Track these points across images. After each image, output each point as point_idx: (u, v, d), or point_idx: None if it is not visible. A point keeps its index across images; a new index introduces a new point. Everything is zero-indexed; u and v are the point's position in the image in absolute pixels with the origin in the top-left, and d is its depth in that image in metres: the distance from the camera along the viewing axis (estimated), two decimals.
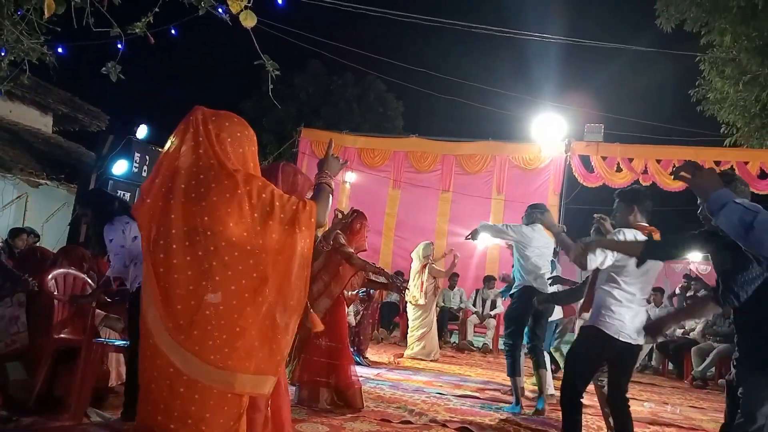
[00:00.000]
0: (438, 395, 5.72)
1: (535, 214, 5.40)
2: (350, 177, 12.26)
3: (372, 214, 11.75)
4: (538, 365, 5.38)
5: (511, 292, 5.52)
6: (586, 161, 11.20)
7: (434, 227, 11.96)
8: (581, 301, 4.25)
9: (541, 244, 5.42)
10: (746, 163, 10.57)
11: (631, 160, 10.97)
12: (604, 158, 11.07)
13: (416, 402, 5.27)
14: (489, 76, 18.40)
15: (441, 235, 11.84)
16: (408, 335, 8.74)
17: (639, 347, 3.58)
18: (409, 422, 4.49)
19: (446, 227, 11.90)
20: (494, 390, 6.23)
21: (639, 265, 3.09)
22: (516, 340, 5.34)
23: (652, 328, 3.21)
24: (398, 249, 12.06)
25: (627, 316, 3.46)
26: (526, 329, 5.55)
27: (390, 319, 10.95)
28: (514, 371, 5.30)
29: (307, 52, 11.63)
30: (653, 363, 9.39)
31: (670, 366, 9.34)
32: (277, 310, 2.00)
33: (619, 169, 10.95)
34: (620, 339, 3.45)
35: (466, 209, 11.75)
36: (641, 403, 6.20)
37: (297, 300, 2.05)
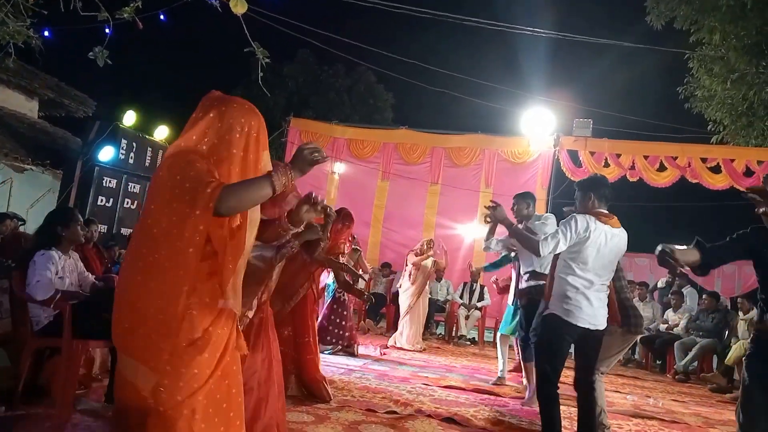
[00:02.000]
0: (423, 386, 5.74)
1: (525, 203, 5.37)
2: (339, 168, 12.24)
3: (361, 206, 11.92)
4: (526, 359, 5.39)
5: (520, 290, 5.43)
6: (574, 156, 11.25)
7: (422, 219, 11.98)
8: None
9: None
10: (732, 160, 10.67)
11: (618, 155, 11.04)
12: (592, 153, 11.13)
13: (402, 392, 5.30)
14: (479, 70, 18.38)
15: (429, 227, 11.86)
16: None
17: (600, 332, 3.62)
18: (395, 412, 4.51)
19: (434, 219, 11.92)
20: (479, 381, 6.26)
21: (702, 273, 3.01)
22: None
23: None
24: (386, 240, 12.07)
25: (584, 303, 3.52)
26: (518, 320, 5.59)
27: (377, 310, 10.96)
28: (528, 358, 5.26)
29: (297, 41, 11.57)
30: (636, 357, 9.49)
31: (653, 360, 9.44)
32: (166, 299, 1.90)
33: (606, 165, 11.01)
34: (579, 325, 3.50)
35: (455, 202, 11.78)
36: (624, 396, 6.25)
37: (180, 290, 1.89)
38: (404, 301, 8.78)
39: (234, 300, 1.98)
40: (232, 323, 2.04)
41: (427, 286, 8.96)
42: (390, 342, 8.65)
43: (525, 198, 5.41)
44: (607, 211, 3.69)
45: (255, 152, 2.08)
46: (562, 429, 3.63)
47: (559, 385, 3.66)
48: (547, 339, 3.67)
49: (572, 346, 3.76)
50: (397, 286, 9.66)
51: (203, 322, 1.93)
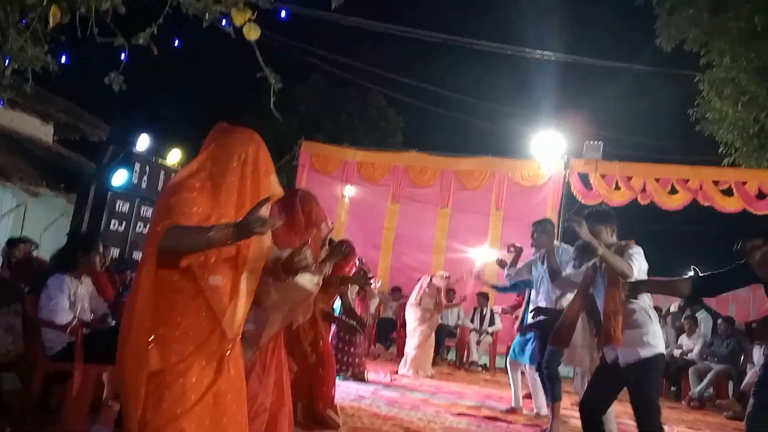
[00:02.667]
0: (434, 413, 5.67)
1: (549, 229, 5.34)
2: (349, 191, 12.26)
3: (371, 229, 11.92)
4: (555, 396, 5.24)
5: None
6: (585, 179, 11.20)
7: (432, 242, 11.94)
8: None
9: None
10: (744, 183, 10.58)
11: (629, 178, 10.97)
12: (602, 176, 11.07)
13: (412, 419, 5.23)
14: (489, 93, 18.47)
15: (439, 250, 11.82)
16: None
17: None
18: None
19: (445, 243, 11.88)
20: (491, 408, 6.18)
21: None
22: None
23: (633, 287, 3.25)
24: (396, 264, 12.03)
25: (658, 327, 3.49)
26: (532, 349, 5.51)
27: (387, 335, 10.89)
28: (557, 397, 5.12)
29: (309, 64, 11.68)
30: None
31: (668, 386, 9.28)
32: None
33: (617, 188, 10.95)
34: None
35: (465, 225, 11.74)
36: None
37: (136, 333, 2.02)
38: (410, 320, 8.67)
39: (230, 328, 2.08)
40: (225, 349, 2.10)
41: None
42: (400, 369, 8.50)
43: (545, 224, 5.38)
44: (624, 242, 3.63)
45: (253, 180, 2.18)
46: None
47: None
48: (658, 379, 3.60)
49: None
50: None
51: (177, 351, 2.01)
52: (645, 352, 3.35)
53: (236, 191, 2.16)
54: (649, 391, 3.36)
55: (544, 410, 5.59)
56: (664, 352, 3.48)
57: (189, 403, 1.99)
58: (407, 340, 8.69)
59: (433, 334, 8.81)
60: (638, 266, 3.40)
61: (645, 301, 3.49)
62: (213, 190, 2.13)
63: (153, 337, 2.00)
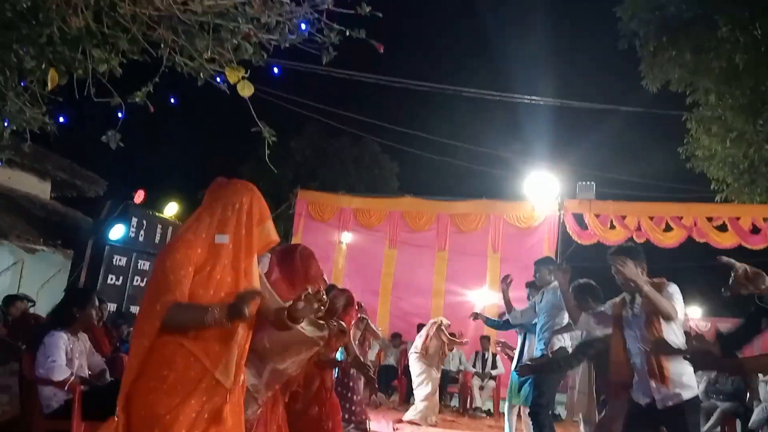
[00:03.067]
0: None
1: (548, 269, 5.35)
2: (346, 237, 12.30)
3: (369, 275, 11.91)
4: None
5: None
6: (579, 219, 11.28)
7: (431, 286, 11.92)
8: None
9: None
10: (738, 218, 10.66)
11: (624, 217, 11.05)
12: (597, 216, 11.15)
13: None
14: (482, 137, 18.74)
15: (438, 294, 11.79)
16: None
17: None
18: None
19: (443, 286, 11.86)
20: None
21: (726, 355, 3.04)
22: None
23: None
24: (395, 309, 11.97)
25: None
26: (528, 390, 5.46)
27: (388, 383, 10.75)
28: None
29: (303, 116, 11.88)
30: None
31: None
32: None
33: (612, 227, 11.02)
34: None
35: (463, 267, 11.75)
36: None
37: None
38: (417, 368, 8.59)
39: (224, 376, 2.17)
40: (221, 399, 2.16)
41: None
42: (408, 416, 8.36)
43: (546, 264, 5.42)
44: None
45: (247, 227, 2.28)
46: None
47: None
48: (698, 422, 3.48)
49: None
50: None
51: (166, 404, 2.09)
52: (686, 394, 3.27)
53: (231, 240, 2.25)
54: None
55: None
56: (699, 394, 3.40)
57: None
58: (414, 389, 8.56)
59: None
60: (680, 306, 3.33)
61: (681, 338, 3.39)
62: (209, 240, 2.23)
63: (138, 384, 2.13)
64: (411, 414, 8.30)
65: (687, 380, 3.28)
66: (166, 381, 2.11)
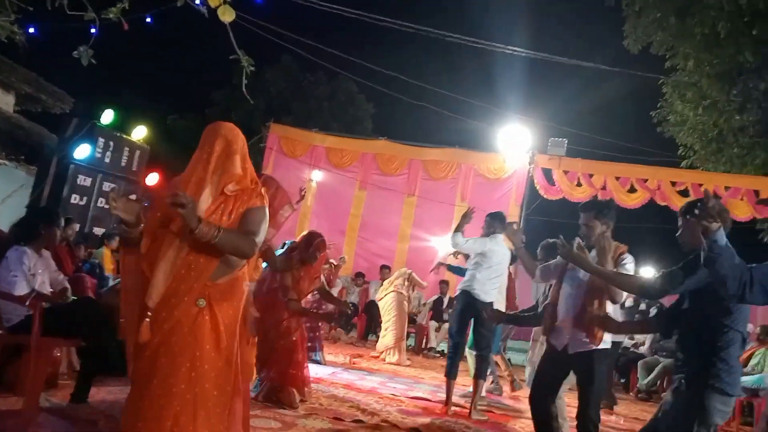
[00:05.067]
0: (391, 396, 5.80)
1: (495, 224, 5.55)
2: (317, 176, 12.26)
3: (337, 214, 11.96)
4: (476, 375, 5.45)
5: (456, 294, 5.68)
6: (548, 174, 11.43)
7: (397, 231, 12.05)
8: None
9: (501, 255, 5.58)
10: (700, 185, 10.90)
11: (591, 175, 11.24)
12: (565, 172, 11.32)
13: (369, 402, 5.34)
14: (458, 85, 18.56)
15: (404, 238, 11.94)
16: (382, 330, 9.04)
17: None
18: (361, 421, 4.56)
19: (409, 231, 12.00)
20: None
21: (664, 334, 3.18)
22: (457, 342, 5.47)
23: (604, 322, 3.31)
24: (360, 250, 12.11)
25: None
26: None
27: (348, 319, 10.98)
28: (449, 372, 5.41)
29: (280, 46, 11.57)
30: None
31: (618, 378, 9.60)
32: None
33: (579, 184, 11.21)
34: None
35: (430, 214, 11.87)
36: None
37: None
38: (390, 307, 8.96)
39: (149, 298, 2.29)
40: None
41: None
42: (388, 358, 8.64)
43: (496, 219, 5.57)
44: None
45: (206, 160, 2.40)
46: None
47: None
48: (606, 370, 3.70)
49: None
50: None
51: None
52: (596, 344, 3.48)
53: (198, 173, 2.39)
54: (595, 381, 3.51)
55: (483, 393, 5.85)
56: (610, 346, 3.60)
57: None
58: (389, 328, 8.81)
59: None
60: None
61: (613, 308, 3.60)
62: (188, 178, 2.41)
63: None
64: (390, 356, 8.62)
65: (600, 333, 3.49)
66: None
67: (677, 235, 2.88)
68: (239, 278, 2.45)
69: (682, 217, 2.87)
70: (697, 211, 2.32)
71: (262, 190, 2.47)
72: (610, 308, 3.57)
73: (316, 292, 5.73)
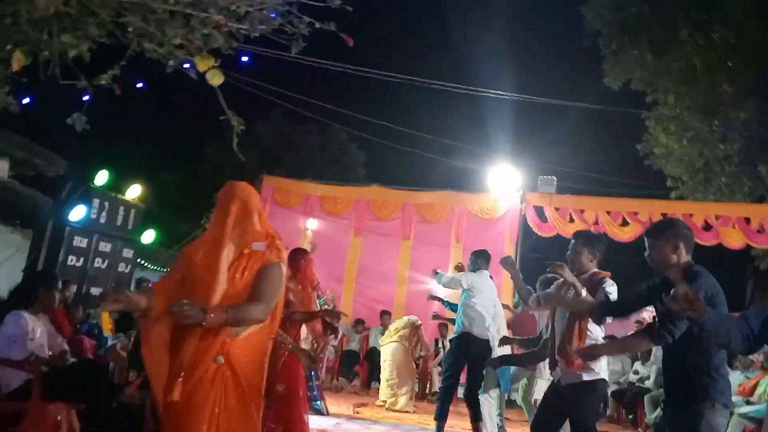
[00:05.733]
0: None
1: (479, 261, 5.63)
2: (312, 224, 12.32)
3: (334, 262, 11.99)
4: (475, 418, 5.41)
5: (450, 337, 5.69)
6: (540, 212, 11.54)
7: (395, 274, 12.05)
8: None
9: (488, 289, 5.62)
10: (691, 215, 11.02)
11: (582, 211, 11.34)
12: (557, 209, 11.43)
13: None
14: (447, 129, 18.90)
15: (402, 282, 11.94)
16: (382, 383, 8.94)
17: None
18: None
19: (407, 274, 12.00)
20: None
21: (598, 322, 3.25)
22: (449, 385, 5.45)
23: (587, 352, 3.31)
24: (359, 296, 12.08)
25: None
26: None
27: (350, 368, 10.88)
28: (439, 415, 5.38)
29: (270, 101, 11.83)
30: (608, 411, 9.54)
31: (625, 414, 9.49)
32: None
33: (571, 220, 11.30)
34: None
35: (427, 257, 11.88)
36: None
37: None
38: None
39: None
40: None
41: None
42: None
43: (480, 256, 5.66)
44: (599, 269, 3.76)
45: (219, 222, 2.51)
46: None
47: None
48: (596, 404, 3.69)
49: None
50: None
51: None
52: (587, 376, 3.50)
53: (215, 232, 2.51)
54: (585, 414, 3.50)
55: None
56: (606, 379, 3.62)
57: None
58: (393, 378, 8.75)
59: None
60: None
61: (597, 332, 3.65)
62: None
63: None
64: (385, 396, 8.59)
65: (592, 364, 3.51)
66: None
67: (646, 255, 2.91)
68: (259, 331, 2.48)
69: (650, 238, 2.89)
70: (667, 231, 2.45)
71: (278, 243, 2.55)
72: (599, 333, 3.62)
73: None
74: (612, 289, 3.57)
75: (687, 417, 2.65)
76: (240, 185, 2.62)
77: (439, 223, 12.10)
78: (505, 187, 11.61)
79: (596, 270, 3.68)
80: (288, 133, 22.96)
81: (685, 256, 2.71)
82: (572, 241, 3.76)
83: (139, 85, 4.14)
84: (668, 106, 13.03)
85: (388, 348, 8.97)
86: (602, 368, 3.56)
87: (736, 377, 7.54)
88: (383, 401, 8.65)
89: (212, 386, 2.30)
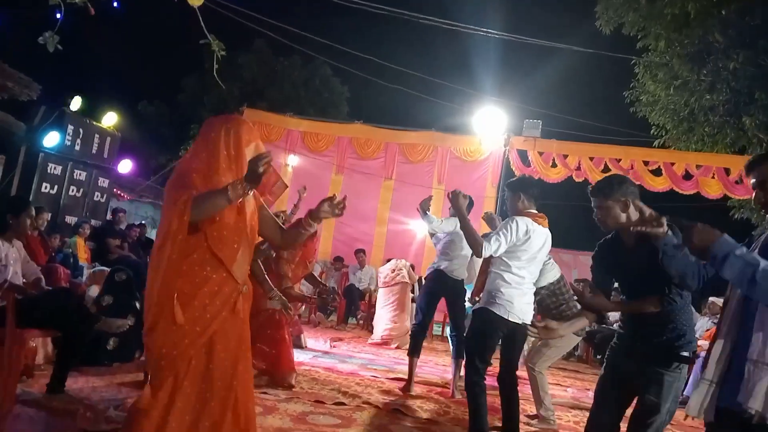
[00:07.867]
0: (372, 378, 5.83)
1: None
2: (293, 160, 12.19)
3: (314, 199, 11.75)
4: (458, 354, 5.48)
5: (426, 274, 5.69)
6: (523, 156, 11.52)
7: (375, 214, 12.06)
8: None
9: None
10: (672, 164, 11.12)
11: (565, 156, 11.36)
12: (540, 153, 11.42)
13: (350, 384, 5.37)
14: (433, 68, 18.60)
15: (382, 222, 11.96)
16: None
17: (525, 326, 3.72)
18: (343, 403, 4.59)
19: (387, 214, 12.02)
20: (427, 374, 6.39)
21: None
22: (423, 320, 5.50)
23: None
24: (338, 234, 12.11)
25: (516, 298, 3.68)
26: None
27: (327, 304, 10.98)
28: (413, 350, 5.44)
29: (253, 30, 11.43)
30: (578, 351, 9.82)
31: (594, 354, 9.77)
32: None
33: (554, 165, 11.33)
34: (510, 320, 3.66)
35: (408, 197, 11.87)
36: (564, 389, 6.49)
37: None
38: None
39: (238, 273, 2.44)
40: (223, 290, 2.41)
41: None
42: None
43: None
44: (536, 211, 3.83)
45: (236, 149, 2.47)
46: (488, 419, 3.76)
47: (486, 376, 3.79)
48: (480, 332, 3.78)
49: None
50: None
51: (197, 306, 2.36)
52: (479, 304, 3.83)
53: (227, 168, 2.46)
54: (468, 333, 3.94)
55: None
56: (492, 310, 3.68)
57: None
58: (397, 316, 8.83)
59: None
60: (494, 247, 3.59)
61: (498, 266, 3.79)
62: (209, 171, 2.42)
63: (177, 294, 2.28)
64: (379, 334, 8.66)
65: (488, 297, 3.78)
66: (188, 272, 2.33)
67: (594, 216, 2.81)
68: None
69: (597, 198, 2.75)
70: (616, 190, 2.45)
71: None
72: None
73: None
74: (501, 228, 3.72)
75: (654, 372, 2.68)
76: (231, 117, 2.63)
77: (422, 163, 12.05)
78: (490, 130, 11.51)
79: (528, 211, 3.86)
80: (271, 66, 22.38)
81: (634, 214, 2.61)
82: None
83: (115, 4, 3.90)
84: (658, 53, 12.89)
85: (391, 289, 8.94)
86: (491, 301, 3.76)
87: (703, 322, 7.77)
88: (384, 339, 8.66)
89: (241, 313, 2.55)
